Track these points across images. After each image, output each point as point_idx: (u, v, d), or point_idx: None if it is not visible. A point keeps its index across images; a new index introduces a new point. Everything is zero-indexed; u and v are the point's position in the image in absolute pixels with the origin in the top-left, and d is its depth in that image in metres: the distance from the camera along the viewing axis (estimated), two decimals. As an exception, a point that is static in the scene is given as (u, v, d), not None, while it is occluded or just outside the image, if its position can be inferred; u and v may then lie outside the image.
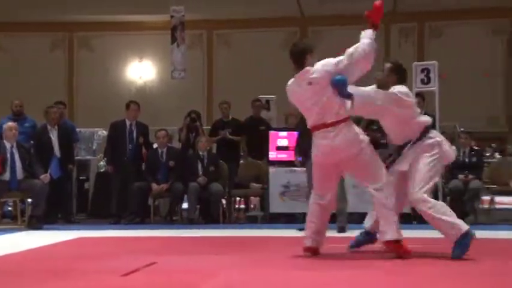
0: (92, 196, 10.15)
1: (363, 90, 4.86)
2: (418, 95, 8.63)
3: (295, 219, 8.34)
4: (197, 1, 13.99)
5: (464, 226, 4.62)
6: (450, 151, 4.97)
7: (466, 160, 8.68)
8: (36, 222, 7.88)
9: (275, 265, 4.57)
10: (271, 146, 9.05)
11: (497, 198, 8.96)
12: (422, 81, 8.42)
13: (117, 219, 8.88)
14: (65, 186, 9.06)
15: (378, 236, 4.94)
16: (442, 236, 4.74)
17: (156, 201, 9.31)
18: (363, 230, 5.15)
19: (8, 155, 8.09)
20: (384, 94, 4.84)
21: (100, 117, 12.31)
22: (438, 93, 8.37)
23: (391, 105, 4.81)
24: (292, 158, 8.14)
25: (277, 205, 8.68)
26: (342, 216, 7.01)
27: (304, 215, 5.23)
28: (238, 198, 9.80)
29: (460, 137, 9.04)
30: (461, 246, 4.57)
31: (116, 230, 7.87)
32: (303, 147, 6.75)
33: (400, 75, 5.02)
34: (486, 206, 9.03)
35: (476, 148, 9.05)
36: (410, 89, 8.56)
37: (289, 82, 4.98)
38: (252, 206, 10.03)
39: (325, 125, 4.76)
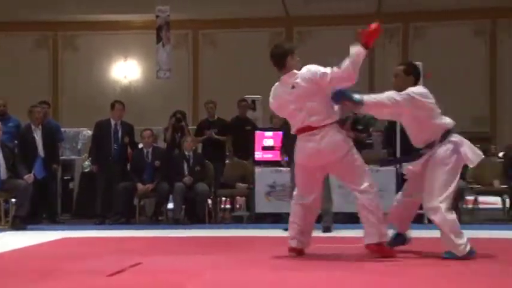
0: (76, 196, 10.10)
1: (376, 95, 4.78)
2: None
3: (281, 219, 8.34)
4: (182, 1, 13.98)
5: (466, 249, 4.61)
6: (470, 155, 4.73)
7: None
8: (20, 223, 7.82)
9: (261, 265, 4.57)
10: (257, 146, 9.06)
11: (481, 198, 9.04)
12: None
13: (102, 219, 8.85)
14: (50, 186, 9.01)
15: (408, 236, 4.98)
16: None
17: (142, 201, 9.28)
18: (395, 231, 5.08)
19: (-8, 155, 8.03)
20: (398, 95, 4.72)
21: (85, 117, 12.26)
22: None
23: (407, 107, 4.72)
24: (278, 158, 8.17)
25: (263, 205, 8.68)
26: (327, 216, 7.03)
27: (290, 215, 5.24)
28: (224, 198, 9.79)
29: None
30: (450, 257, 4.61)
31: (101, 230, 7.84)
32: (289, 147, 6.76)
33: (415, 75, 4.93)
34: (470, 206, 9.10)
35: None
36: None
37: (274, 87, 4.95)
38: (237, 206, 10.03)
39: (311, 128, 4.74)
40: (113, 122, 9.12)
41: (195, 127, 10.18)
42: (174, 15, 13.55)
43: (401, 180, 8.23)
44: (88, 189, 9.60)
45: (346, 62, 4.62)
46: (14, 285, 3.82)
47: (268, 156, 8.96)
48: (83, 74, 15.89)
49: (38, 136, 8.90)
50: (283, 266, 4.61)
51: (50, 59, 16.40)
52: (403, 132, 5.65)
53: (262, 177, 8.72)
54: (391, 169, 8.33)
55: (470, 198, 9.06)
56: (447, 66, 14.35)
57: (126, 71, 16.33)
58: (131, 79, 16.33)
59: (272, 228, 7.39)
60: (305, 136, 4.79)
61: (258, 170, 8.82)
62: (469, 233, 4.82)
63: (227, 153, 9.95)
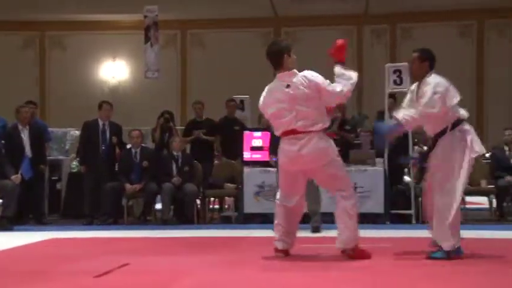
0: (64, 196, 10.04)
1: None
2: (391, 96, 8.75)
3: (269, 220, 8.33)
4: (171, 1, 13.94)
5: (455, 245, 4.65)
6: (477, 145, 4.88)
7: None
8: (6, 223, 7.78)
9: (249, 265, 4.58)
10: (245, 146, 9.05)
11: (468, 198, 9.08)
12: (394, 82, 8.50)
13: (90, 219, 8.81)
14: (37, 186, 8.95)
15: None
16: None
17: (130, 202, 9.25)
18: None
19: (-22, 155, 7.98)
20: (433, 101, 4.82)
21: (72, 117, 12.19)
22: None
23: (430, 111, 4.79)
24: (266, 158, 8.16)
25: (251, 205, 8.67)
26: (316, 217, 7.04)
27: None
28: (212, 199, 9.78)
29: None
30: (439, 256, 4.63)
31: (88, 230, 7.81)
32: (277, 147, 6.75)
33: (430, 61, 5.03)
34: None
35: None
36: (383, 89, 8.75)
37: (268, 85, 4.92)
38: (226, 206, 10.02)
39: (296, 132, 4.72)
40: (100, 123, 9.09)
41: (183, 127, 10.17)
42: (163, 15, 13.50)
43: (388, 180, 8.29)
44: (76, 190, 9.55)
45: (345, 82, 4.76)
46: (0, 286, 3.79)
47: (257, 156, 8.95)
48: (70, 74, 15.81)
49: (25, 136, 8.85)
50: (271, 266, 4.62)
51: (37, 59, 16.31)
52: None
53: (251, 178, 8.71)
54: (379, 169, 8.35)
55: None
56: (434, 66, 14.40)
57: (114, 71, 16.27)
58: (119, 79, 16.28)
59: (261, 229, 7.38)
60: (289, 139, 4.78)
61: (246, 170, 8.81)
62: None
63: (216, 154, 9.94)
